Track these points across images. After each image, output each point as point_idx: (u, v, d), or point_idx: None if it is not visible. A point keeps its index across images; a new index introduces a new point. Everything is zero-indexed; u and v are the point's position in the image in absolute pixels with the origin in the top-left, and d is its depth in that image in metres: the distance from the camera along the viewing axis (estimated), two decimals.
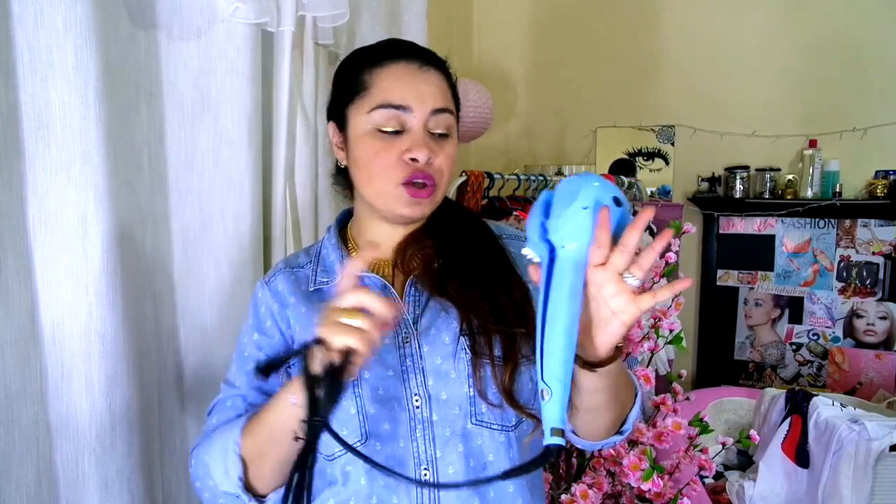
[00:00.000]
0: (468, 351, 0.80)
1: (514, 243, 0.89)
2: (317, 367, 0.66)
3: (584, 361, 0.68)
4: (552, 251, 0.64)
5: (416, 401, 0.79)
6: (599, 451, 1.46)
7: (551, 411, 0.61)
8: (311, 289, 0.86)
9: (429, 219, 0.89)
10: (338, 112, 0.87)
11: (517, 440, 0.82)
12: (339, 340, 0.65)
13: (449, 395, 0.80)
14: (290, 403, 0.71)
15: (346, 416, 0.79)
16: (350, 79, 0.85)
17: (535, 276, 0.65)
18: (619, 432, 0.82)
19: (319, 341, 0.66)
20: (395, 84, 0.81)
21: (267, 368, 0.72)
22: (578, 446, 0.87)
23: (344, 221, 0.94)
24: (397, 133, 0.81)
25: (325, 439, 0.67)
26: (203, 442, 0.84)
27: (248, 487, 0.79)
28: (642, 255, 0.61)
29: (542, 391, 0.61)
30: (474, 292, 0.81)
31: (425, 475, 0.78)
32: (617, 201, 0.63)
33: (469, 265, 0.84)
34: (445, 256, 0.85)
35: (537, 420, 0.76)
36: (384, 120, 0.80)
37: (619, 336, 0.65)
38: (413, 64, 0.82)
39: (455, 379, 0.80)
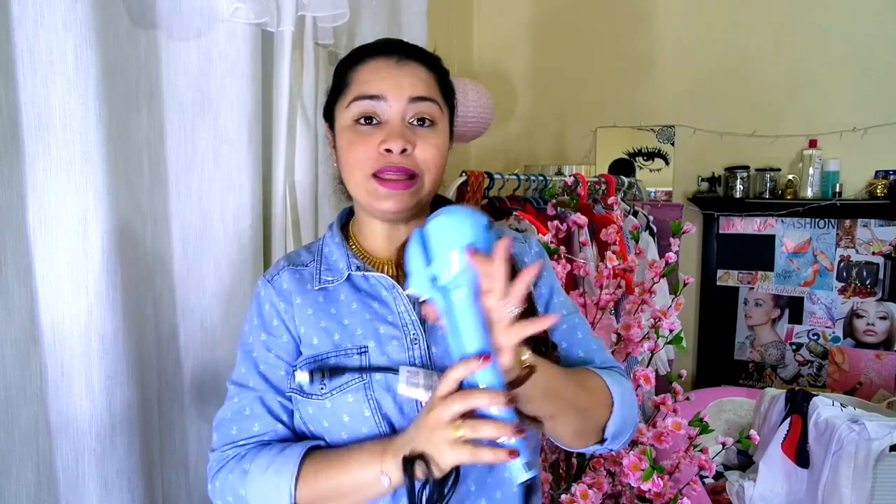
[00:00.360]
0: None
1: (515, 244, 0.90)
2: (420, 475, 0.67)
3: None
4: (445, 294, 0.65)
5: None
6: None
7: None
8: (316, 287, 0.86)
9: None
10: (328, 112, 0.88)
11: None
12: (452, 458, 0.65)
13: None
14: (379, 479, 0.71)
15: (361, 419, 0.78)
16: (337, 78, 0.86)
17: (432, 314, 0.67)
18: (600, 442, 0.81)
19: (423, 457, 0.67)
20: (372, 77, 0.81)
21: (330, 371, 0.78)
22: (561, 447, 0.87)
23: (346, 220, 0.94)
24: (376, 126, 0.80)
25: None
26: (232, 466, 0.81)
27: None
28: (514, 286, 0.63)
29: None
30: None
31: None
32: (487, 226, 0.66)
33: None
34: None
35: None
36: (360, 111, 0.81)
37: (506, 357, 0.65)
38: (392, 58, 0.82)
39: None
